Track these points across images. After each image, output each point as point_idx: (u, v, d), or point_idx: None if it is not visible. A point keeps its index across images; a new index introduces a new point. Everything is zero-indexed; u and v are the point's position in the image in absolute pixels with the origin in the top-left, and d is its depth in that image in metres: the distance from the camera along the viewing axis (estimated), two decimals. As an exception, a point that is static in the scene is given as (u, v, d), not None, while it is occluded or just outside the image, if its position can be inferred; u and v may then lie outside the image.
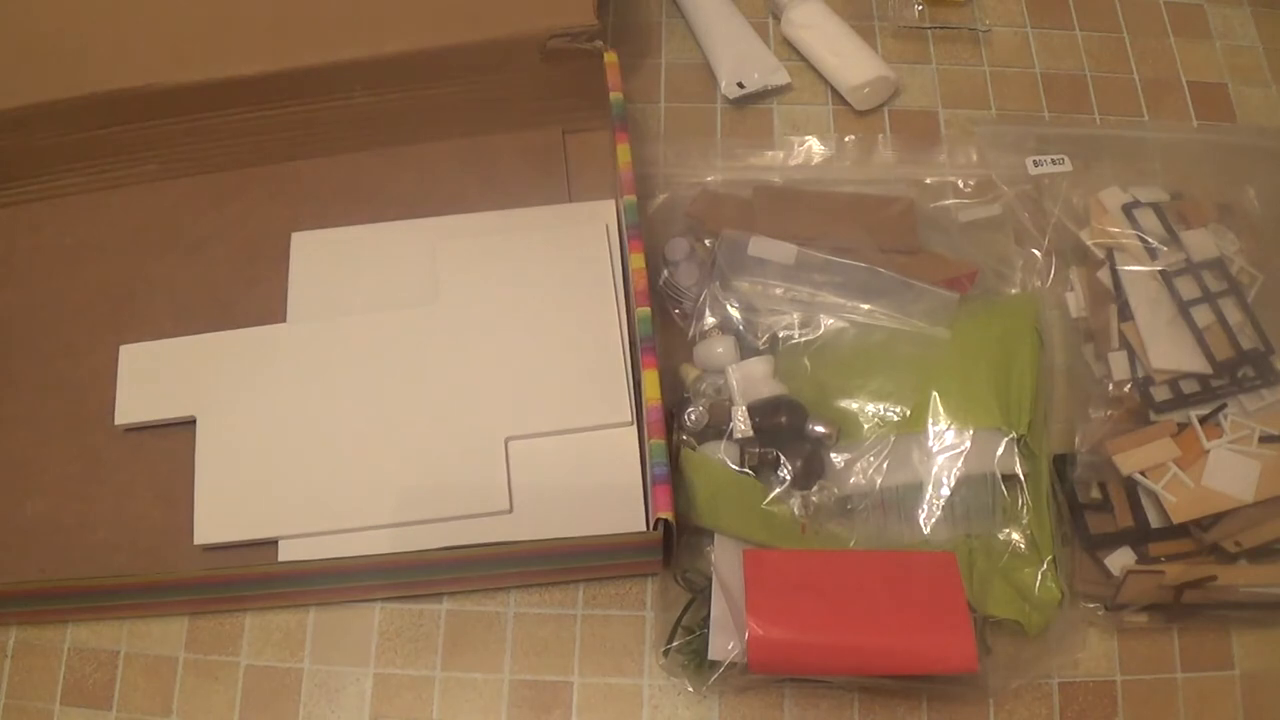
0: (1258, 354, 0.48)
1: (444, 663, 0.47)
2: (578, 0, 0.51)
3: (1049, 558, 0.45)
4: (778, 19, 0.62)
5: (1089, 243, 0.52)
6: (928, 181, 0.55)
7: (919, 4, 0.62)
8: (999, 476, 0.46)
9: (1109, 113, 0.60)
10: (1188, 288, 0.49)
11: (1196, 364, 0.48)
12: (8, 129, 0.52)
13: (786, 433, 0.46)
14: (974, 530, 0.46)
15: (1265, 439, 0.46)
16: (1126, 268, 0.50)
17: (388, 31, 0.52)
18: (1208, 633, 0.47)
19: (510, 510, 0.47)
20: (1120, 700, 0.46)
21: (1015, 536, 0.46)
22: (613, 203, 0.54)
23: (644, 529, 0.46)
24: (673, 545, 0.45)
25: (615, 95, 0.51)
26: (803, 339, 0.49)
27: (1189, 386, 0.48)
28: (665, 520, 0.42)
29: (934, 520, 0.45)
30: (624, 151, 0.50)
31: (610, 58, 0.52)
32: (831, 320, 0.49)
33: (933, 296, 0.49)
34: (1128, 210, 0.52)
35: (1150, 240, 0.50)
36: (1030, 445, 0.47)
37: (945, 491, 0.45)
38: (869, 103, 0.59)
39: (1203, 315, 0.49)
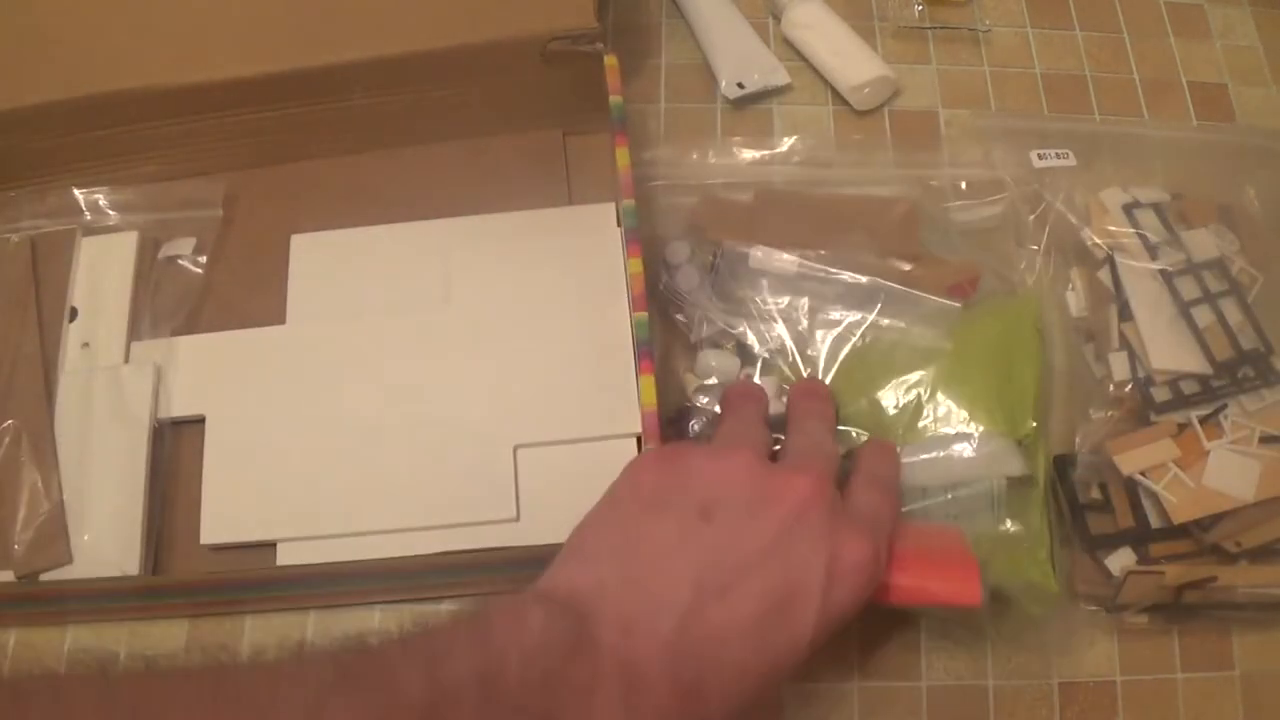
0: (1258, 354, 0.48)
1: (444, 664, 0.47)
2: (578, 2, 0.51)
3: (1046, 552, 0.45)
4: (778, 19, 0.62)
5: (1089, 242, 0.52)
6: (932, 183, 0.54)
7: (919, 4, 0.62)
8: (1002, 479, 0.46)
9: (1109, 113, 0.60)
10: (1188, 288, 0.49)
11: (1197, 364, 0.48)
12: (7, 129, 0.52)
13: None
14: (975, 530, 0.46)
15: (1265, 439, 0.46)
16: (1127, 267, 0.50)
17: (388, 33, 0.52)
18: (1208, 633, 0.47)
19: (517, 518, 0.47)
20: (1120, 700, 0.46)
21: (1014, 530, 0.46)
22: (612, 205, 0.54)
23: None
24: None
25: (615, 99, 0.51)
26: (805, 351, 0.49)
27: (1189, 387, 0.48)
28: None
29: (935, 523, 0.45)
30: (623, 155, 0.50)
31: (610, 61, 0.52)
32: (834, 332, 0.49)
33: (934, 306, 0.49)
34: (1128, 210, 0.52)
35: (1151, 240, 0.50)
36: (1031, 446, 0.47)
37: (948, 496, 0.46)
38: (869, 103, 0.59)
39: (1203, 315, 0.49)
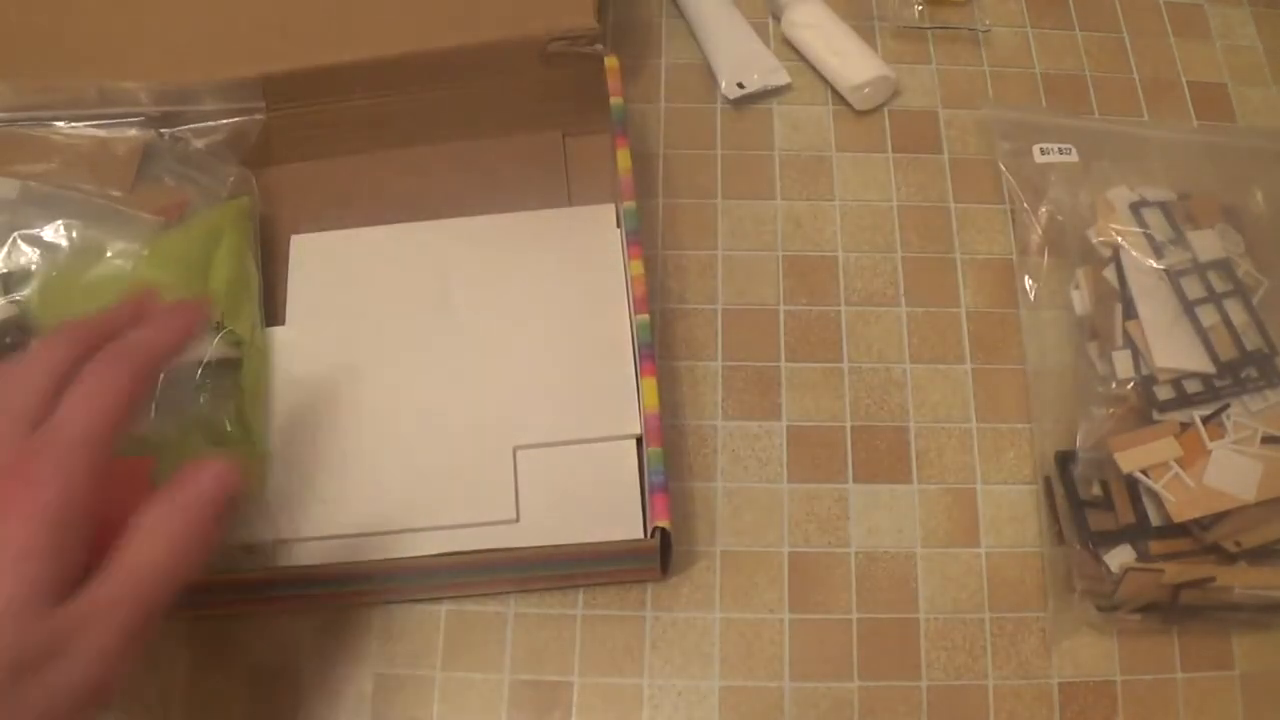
0: (1261, 355, 0.48)
1: (444, 663, 0.47)
2: (578, 3, 0.51)
3: (263, 450, 0.48)
4: (778, 19, 0.62)
5: (1095, 240, 0.52)
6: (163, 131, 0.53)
7: (919, 4, 0.62)
8: (202, 363, 0.47)
9: (1109, 113, 0.60)
10: (1193, 287, 0.49)
11: (1200, 364, 0.48)
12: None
13: (15, 353, 0.46)
14: (187, 417, 0.46)
15: (1267, 440, 0.46)
16: (1133, 265, 0.50)
17: (388, 33, 0.52)
18: (1208, 633, 0.47)
19: (517, 520, 0.47)
20: (1120, 700, 0.46)
21: (224, 417, 0.47)
22: (612, 206, 0.54)
23: (642, 537, 0.46)
24: (670, 554, 0.45)
25: (616, 100, 0.51)
26: (31, 269, 0.49)
27: (1192, 386, 0.48)
28: (662, 529, 0.42)
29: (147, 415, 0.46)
30: (624, 156, 0.50)
31: (611, 62, 0.52)
32: (51, 251, 0.49)
33: (137, 222, 0.50)
34: (1135, 209, 0.52)
35: (1157, 239, 0.50)
36: (238, 331, 0.48)
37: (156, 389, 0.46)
38: (869, 103, 0.59)
39: (1207, 315, 0.49)
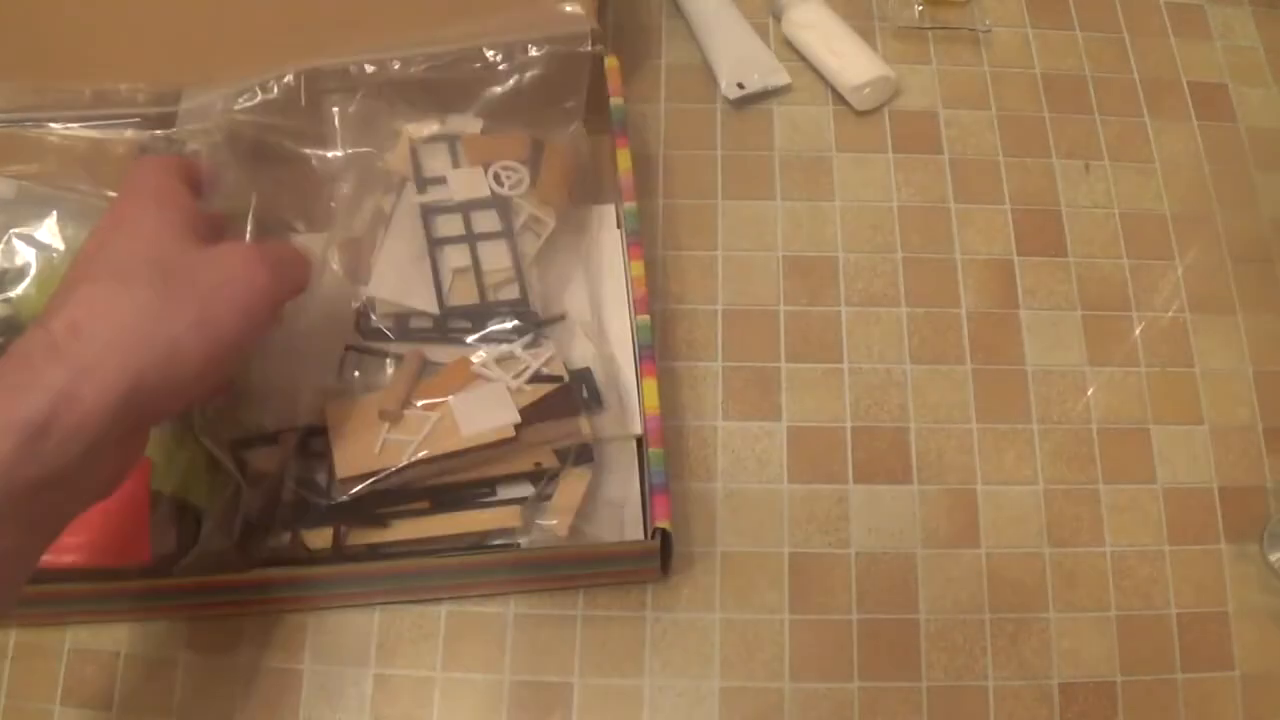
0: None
1: (444, 664, 0.47)
2: (578, 2, 0.51)
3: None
4: (778, 19, 0.62)
5: None
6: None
7: (919, 4, 0.62)
8: None
9: (1109, 113, 0.60)
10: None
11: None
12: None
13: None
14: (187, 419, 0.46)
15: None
16: None
17: (388, 35, 0.52)
18: (1208, 633, 0.47)
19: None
20: (1120, 700, 0.46)
21: None
22: (613, 207, 0.54)
23: (642, 538, 0.46)
24: (670, 554, 0.45)
25: (616, 101, 0.51)
26: (26, 268, 0.48)
27: None
28: (663, 530, 0.42)
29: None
30: (624, 156, 0.50)
31: (611, 62, 0.52)
32: (46, 251, 0.48)
33: None
34: None
35: None
36: None
37: None
38: (869, 103, 0.59)
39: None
